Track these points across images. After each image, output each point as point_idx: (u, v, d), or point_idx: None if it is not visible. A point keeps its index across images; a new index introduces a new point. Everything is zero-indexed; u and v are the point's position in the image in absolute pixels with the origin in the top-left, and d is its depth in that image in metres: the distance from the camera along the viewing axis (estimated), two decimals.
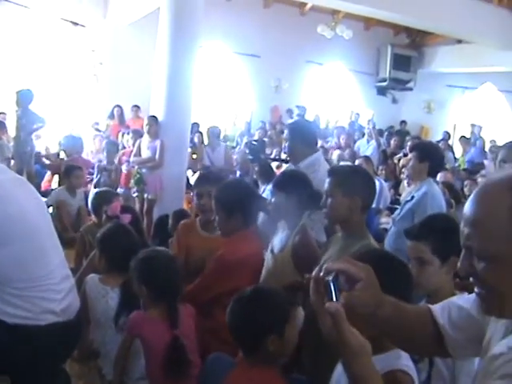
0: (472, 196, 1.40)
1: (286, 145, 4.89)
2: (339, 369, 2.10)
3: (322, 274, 1.49)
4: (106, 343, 3.49)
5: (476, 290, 1.41)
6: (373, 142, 12.19)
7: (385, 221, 7.10)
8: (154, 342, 3.12)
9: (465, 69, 16.47)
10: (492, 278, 1.34)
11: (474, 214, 1.37)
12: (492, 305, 1.39)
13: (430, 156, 4.89)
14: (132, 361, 3.30)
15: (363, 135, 13.35)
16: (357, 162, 8.09)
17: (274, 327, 2.50)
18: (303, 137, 4.81)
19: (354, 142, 13.08)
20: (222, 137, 11.62)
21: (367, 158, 8.66)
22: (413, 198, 4.79)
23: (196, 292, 3.58)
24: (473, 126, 16.27)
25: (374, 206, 7.38)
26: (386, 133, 15.26)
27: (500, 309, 1.38)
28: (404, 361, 2.10)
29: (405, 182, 7.22)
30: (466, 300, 1.70)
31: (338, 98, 17.57)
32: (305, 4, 15.44)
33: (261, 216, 5.00)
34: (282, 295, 2.69)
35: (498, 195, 1.34)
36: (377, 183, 8.04)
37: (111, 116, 12.96)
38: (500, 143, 12.37)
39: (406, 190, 5.31)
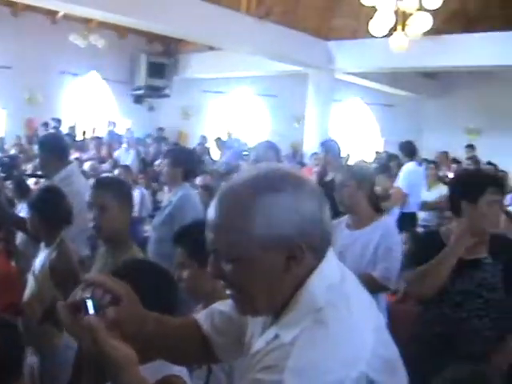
0: (213, 200, 1.39)
1: (38, 160, 4.80)
2: None
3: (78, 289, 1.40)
4: None
5: (228, 292, 1.42)
6: (132, 151, 12.25)
7: (148, 228, 7.17)
8: None
9: (218, 74, 17.04)
10: (239, 280, 1.36)
11: (215, 217, 1.36)
12: (244, 305, 1.41)
13: (183, 161, 4.97)
14: None
15: (121, 144, 13.36)
16: (116, 172, 8.07)
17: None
18: (53, 150, 4.75)
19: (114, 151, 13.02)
20: None
21: (126, 167, 8.69)
22: (171, 203, 4.91)
23: None
24: (229, 128, 16.89)
25: (136, 214, 7.46)
26: (144, 141, 15.33)
27: (252, 308, 1.40)
28: (176, 366, 2.08)
29: (165, 188, 7.34)
30: (226, 304, 1.68)
31: (94, 108, 17.24)
32: (56, 12, 14.89)
33: (20, 236, 4.82)
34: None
35: (235, 197, 1.35)
36: (137, 192, 8.15)
37: None
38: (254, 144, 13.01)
39: (166, 196, 5.42)
